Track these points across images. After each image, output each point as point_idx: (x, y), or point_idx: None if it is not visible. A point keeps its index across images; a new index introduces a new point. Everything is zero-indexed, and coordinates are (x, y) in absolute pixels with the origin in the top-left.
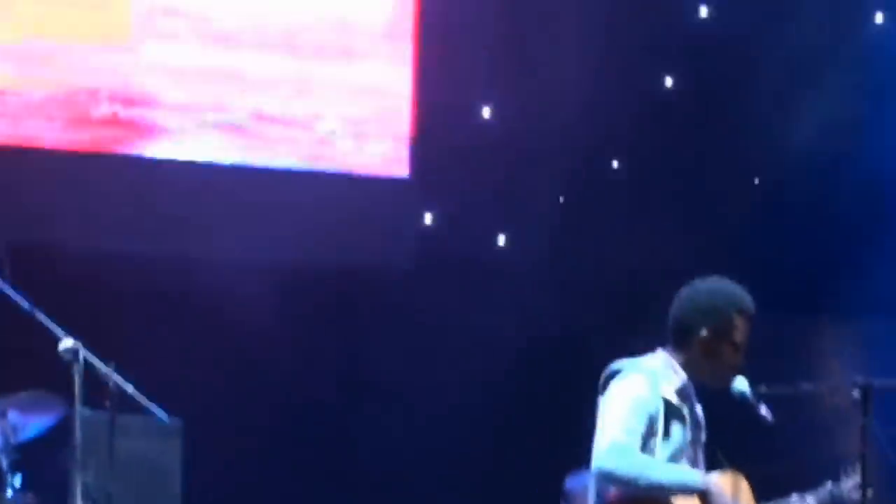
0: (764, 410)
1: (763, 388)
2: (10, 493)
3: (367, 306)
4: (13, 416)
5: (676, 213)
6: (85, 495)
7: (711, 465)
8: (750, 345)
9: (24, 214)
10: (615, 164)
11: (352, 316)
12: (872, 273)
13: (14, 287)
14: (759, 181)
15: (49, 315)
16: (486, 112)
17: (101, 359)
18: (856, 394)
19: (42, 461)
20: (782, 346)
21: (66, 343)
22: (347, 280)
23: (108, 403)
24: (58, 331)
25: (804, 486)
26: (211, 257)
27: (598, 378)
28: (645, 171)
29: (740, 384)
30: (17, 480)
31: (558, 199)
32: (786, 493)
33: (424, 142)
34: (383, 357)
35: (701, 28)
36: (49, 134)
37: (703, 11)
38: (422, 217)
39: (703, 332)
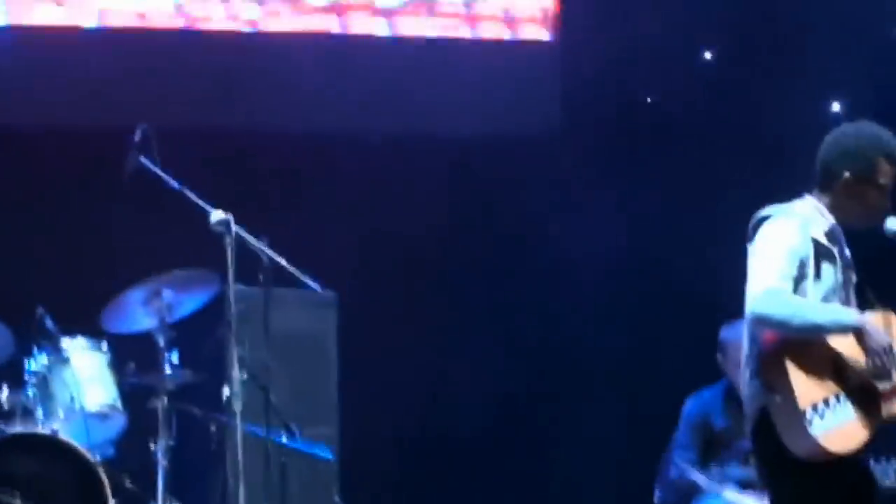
0: None
1: None
2: (168, 369)
3: (514, 175)
4: (168, 294)
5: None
6: (242, 368)
7: (863, 305)
8: None
9: (169, 97)
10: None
11: (502, 186)
12: None
13: (163, 168)
14: None
15: (199, 194)
16: None
17: (253, 234)
18: None
19: (199, 337)
20: None
21: (217, 215)
22: (494, 149)
23: (261, 277)
24: (208, 207)
25: None
26: (355, 133)
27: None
28: None
29: (892, 224)
30: (175, 357)
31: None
32: None
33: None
34: (538, 230)
35: None
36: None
37: None
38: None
39: (847, 175)
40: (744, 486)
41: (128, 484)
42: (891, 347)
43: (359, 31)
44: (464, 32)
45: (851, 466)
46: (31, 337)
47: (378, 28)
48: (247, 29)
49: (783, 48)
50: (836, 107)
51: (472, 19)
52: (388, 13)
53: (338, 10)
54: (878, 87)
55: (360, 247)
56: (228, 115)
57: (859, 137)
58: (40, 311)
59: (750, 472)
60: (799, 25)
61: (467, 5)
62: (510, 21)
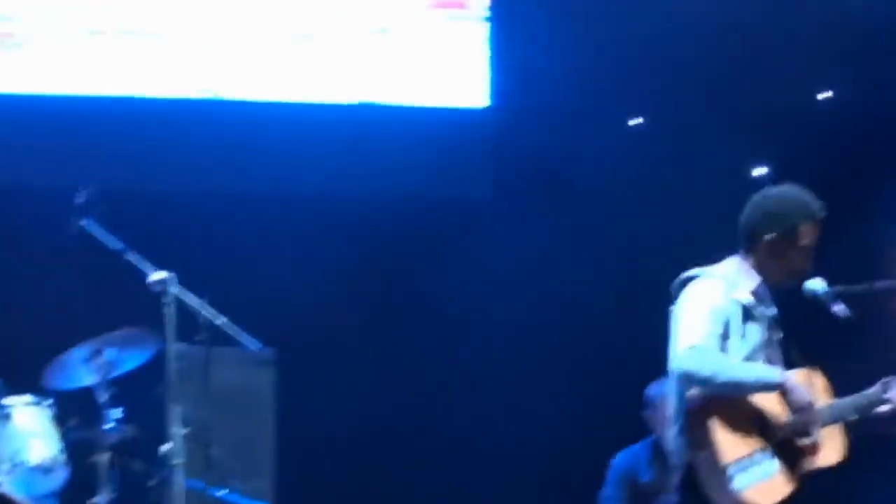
0: (839, 308)
1: (839, 288)
2: (111, 424)
3: (449, 237)
4: (109, 352)
5: None
6: (182, 425)
7: (788, 364)
8: (826, 245)
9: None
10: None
11: (436, 247)
12: None
13: (105, 229)
14: None
15: (142, 255)
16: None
17: (196, 293)
18: None
19: (140, 394)
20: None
21: (157, 275)
22: (428, 212)
23: (201, 336)
24: (148, 267)
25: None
26: (294, 192)
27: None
28: None
29: (813, 284)
30: (118, 413)
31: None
32: (861, 388)
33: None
34: (469, 285)
35: None
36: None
37: None
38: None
39: (769, 237)
40: None
41: None
42: (811, 405)
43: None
44: (396, 96)
45: None
46: None
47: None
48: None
49: (713, 114)
50: (762, 170)
51: (403, 83)
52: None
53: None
54: (805, 151)
55: (295, 303)
56: (165, 177)
57: (782, 201)
58: None
59: None
60: (729, 92)
61: (399, 69)
62: (442, 86)
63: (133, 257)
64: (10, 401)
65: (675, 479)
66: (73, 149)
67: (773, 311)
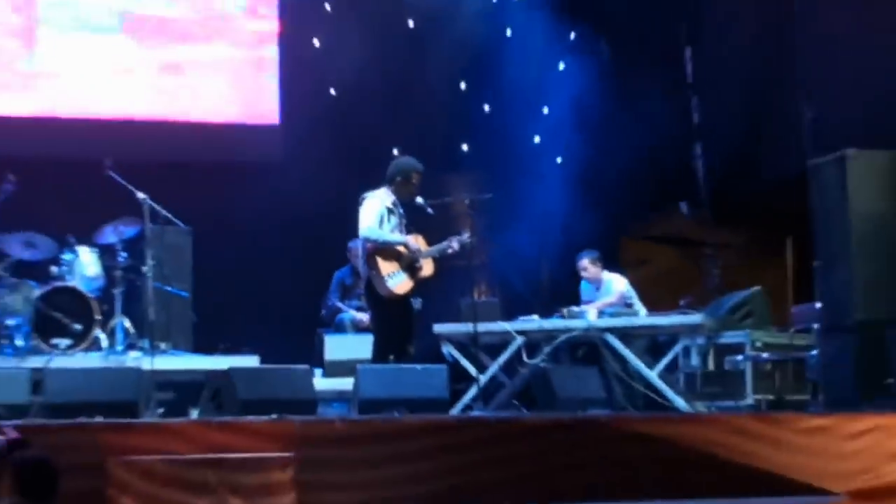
0: (427, 208)
1: (427, 201)
2: (123, 260)
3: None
4: (122, 228)
5: None
6: (152, 259)
7: (407, 232)
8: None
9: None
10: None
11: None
12: None
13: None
14: None
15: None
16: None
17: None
18: (468, 204)
19: (133, 249)
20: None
21: (141, 194)
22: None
23: (158, 221)
24: (134, 191)
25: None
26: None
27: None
28: None
29: (419, 200)
30: (125, 255)
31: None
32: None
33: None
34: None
35: None
36: None
37: None
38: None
39: (398, 178)
40: (359, 308)
41: (103, 307)
42: (418, 249)
43: None
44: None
45: (406, 301)
46: (64, 243)
47: None
48: None
49: None
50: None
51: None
52: None
53: None
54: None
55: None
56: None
57: (402, 161)
58: (69, 237)
59: (362, 303)
60: None
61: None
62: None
63: (123, 183)
64: (79, 247)
65: (362, 284)
66: None
67: (401, 210)
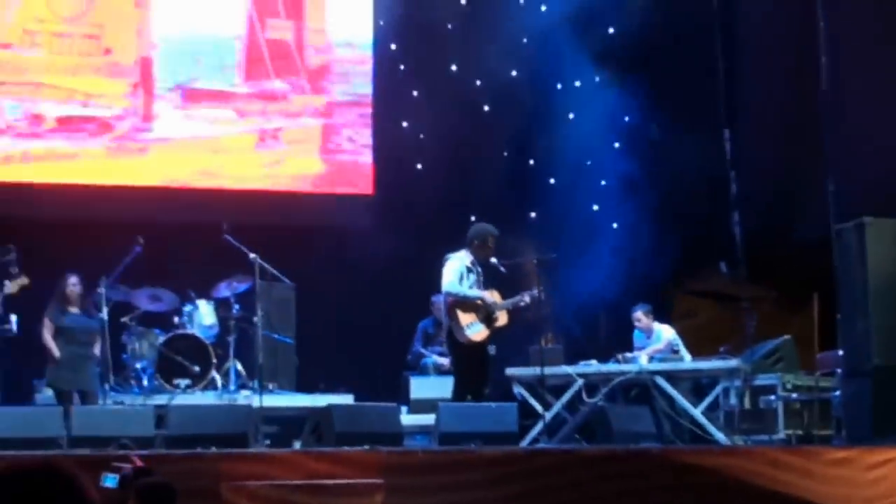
0: (500, 267)
1: (500, 261)
2: (236, 311)
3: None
4: (235, 284)
5: None
6: (261, 311)
7: (485, 287)
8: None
9: None
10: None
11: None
12: None
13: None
14: None
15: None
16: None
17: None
18: (536, 263)
19: (245, 301)
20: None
21: (252, 255)
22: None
23: (265, 278)
24: (246, 250)
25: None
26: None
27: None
28: None
29: (493, 260)
30: (238, 307)
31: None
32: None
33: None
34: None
35: None
36: None
37: None
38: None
39: (476, 241)
40: (441, 354)
41: (218, 352)
42: (494, 302)
43: None
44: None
45: (483, 348)
46: (185, 297)
47: None
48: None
49: None
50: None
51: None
52: None
53: None
54: None
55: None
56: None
57: (479, 227)
58: (190, 292)
59: (445, 349)
60: None
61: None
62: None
63: (237, 245)
64: (198, 301)
65: (443, 333)
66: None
67: (479, 269)
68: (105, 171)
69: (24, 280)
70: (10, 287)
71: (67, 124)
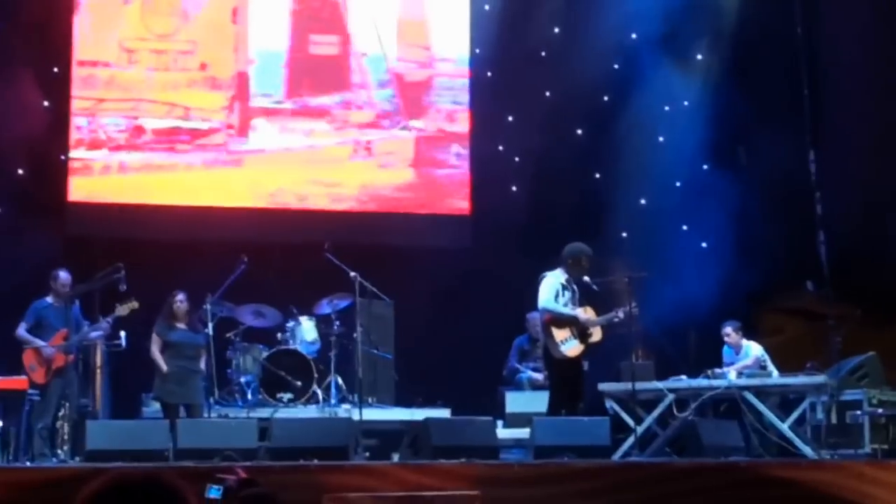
0: (593, 286)
1: (593, 279)
2: (336, 328)
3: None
4: (335, 301)
5: None
6: (360, 326)
7: (581, 305)
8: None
9: None
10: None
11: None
12: None
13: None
14: None
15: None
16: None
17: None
18: (627, 281)
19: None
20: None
21: (353, 273)
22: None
23: (365, 295)
24: (347, 268)
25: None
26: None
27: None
28: None
29: (586, 278)
30: (337, 324)
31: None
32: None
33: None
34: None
35: None
36: None
37: None
38: None
39: (570, 260)
40: (535, 369)
41: (319, 367)
42: (588, 319)
43: None
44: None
45: (577, 363)
46: (287, 314)
47: None
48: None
49: None
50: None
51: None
52: None
53: None
54: None
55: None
56: None
57: (574, 246)
58: (292, 308)
59: (539, 364)
60: None
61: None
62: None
63: (338, 264)
64: (301, 317)
65: (540, 347)
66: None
67: (574, 287)
68: (201, 181)
69: (134, 304)
70: (121, 310)
71: (165, 136)
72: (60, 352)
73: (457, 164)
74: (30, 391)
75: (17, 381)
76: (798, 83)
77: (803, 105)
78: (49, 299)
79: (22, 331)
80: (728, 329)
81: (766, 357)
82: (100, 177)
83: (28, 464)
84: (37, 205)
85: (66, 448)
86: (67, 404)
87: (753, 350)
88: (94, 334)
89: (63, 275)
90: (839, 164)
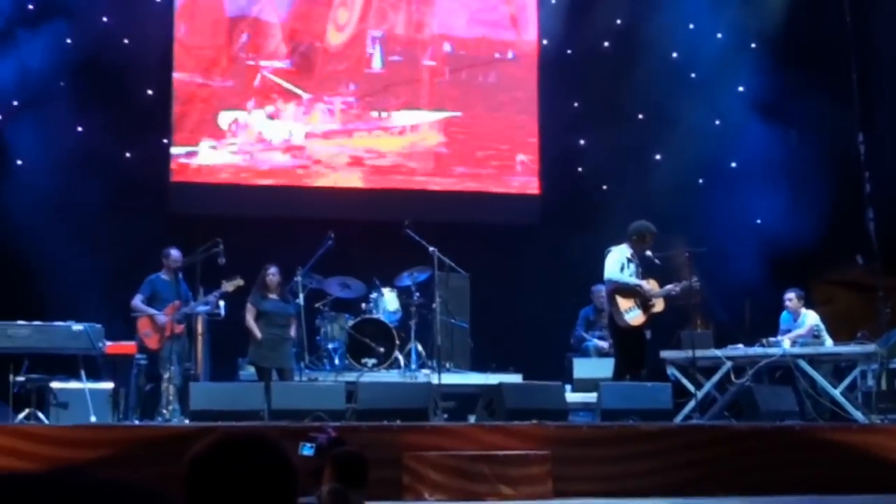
0: (655, 260)
1: (656, 254)
2: (416, 298)
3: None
4: (416, 273)
5: None
6: (439, 296)
7: (643, 277)
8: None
9: None
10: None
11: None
12: None
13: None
14: None
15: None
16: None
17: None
18: (688, 256)
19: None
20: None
21: (431, 248)
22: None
23: (444, 268)
24: (425, 244)
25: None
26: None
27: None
28: None
29: (648, 253)
30: (418, 294)
31: None
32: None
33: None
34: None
35: None
36: None
37: None
38: None
39: (635, 237)
40: (600, 338)
41: (401, 335)
42: (651, 290)
43: None
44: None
45: (640, 332)
46: (371, 285)
47: None
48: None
49: None
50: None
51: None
52: None
53: None
54: None
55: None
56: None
57: (639, 223)
58: (376, 280)
59: (604, 333)
60: None
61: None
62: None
63: (418, 239)
64: (383, 289)
65: (605, 317)
66: None
67: (637, 261)
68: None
69: (239, 281)
70: (227, 286)
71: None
72: (173, 321)
73: (527, 148)
74: (137, 356)
75: (127, 347)
76: (848, 68)
77: (852, 89)
78: (162, 274)
79: (138, 301)
80: (791, 294)
81: (822, 326)
82: (200, 163)
83: (136, 422)
84: (142, 186)
85: (170, 408)
86: (173, 368)
87: (809, 319)
88: (201, 308)
89: (175, 252)
90: (887, 146)
